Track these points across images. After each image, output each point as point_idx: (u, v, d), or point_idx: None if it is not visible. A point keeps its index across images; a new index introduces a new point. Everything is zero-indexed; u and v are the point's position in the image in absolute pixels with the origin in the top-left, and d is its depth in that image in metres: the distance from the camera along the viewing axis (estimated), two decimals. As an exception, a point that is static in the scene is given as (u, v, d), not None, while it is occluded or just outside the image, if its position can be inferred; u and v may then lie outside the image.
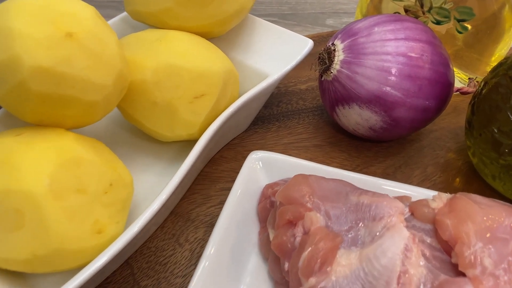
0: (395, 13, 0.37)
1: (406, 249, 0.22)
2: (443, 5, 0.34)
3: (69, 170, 0.22)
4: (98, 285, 0.26)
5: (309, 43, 0.33)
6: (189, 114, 0.28)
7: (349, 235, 0.23)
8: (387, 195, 0.24)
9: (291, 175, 0.27)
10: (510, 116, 0.26)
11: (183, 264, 0.27)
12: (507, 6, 0.34)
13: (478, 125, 0.28)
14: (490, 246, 0.21)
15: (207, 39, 0.31)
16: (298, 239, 0.23)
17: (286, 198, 0.25)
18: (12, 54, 0.21)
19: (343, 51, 0.30)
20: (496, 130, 0.27)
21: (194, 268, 0.24)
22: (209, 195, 0.31)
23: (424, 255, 0.22)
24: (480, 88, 0.29)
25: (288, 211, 0.24)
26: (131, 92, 0.28)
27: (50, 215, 0.21)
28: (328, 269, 0.22)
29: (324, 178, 0.26)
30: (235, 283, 0.25)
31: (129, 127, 0.33)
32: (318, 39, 0.46)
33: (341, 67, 0.30)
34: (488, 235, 0.21)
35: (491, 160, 0.28)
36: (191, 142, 0.28)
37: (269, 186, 0.28)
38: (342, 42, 0.31)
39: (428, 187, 0.31)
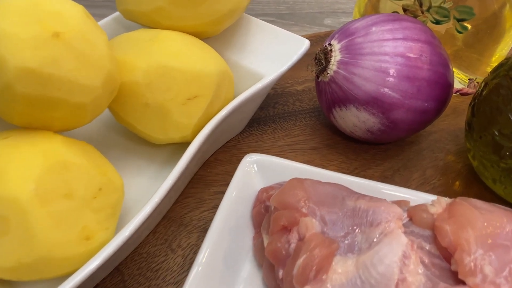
0: (393, 12, 0.36)
1: (404, 256, 0.21)
2: (442, 4, 0.34)
3: (56, 174, 0.22)
4: (87, 293, 0.25)
5: (306, 43, 0.32)
6: (182, 116, 0.27)
7: (346, 241, 0.23)
8: (385, 199, 0.24)
9: (287, 178, 0.26)
10: (511, 118, 0.26)
11: (175, 270, 0.26)
12: (507, 5, 0.33)
13: (478, 127, 0.28)
14: (491, 253, 0.20)
15: (201, 39, 0.31)
16: (292, 245, 0.23)
17: (280, 203, 0.24)
18: (-3, 55, 0.21)
19: (340, 52, 0.30)
20: (497, 133, 0.26)
21: (187, 275, 0.23)
22: (203, 199, 0.30)
23: (423, 262, 0.21)
24: (480, 89, 0.28)
25: (283, 217, 0.23)
26: (122, 94, 0.27)
27: (36, 222, 0.21)
28: (323, 277, 0.21)
29: (320, 182, 0.25)
30: (228, 291, 0.24)
31: (121, 129, 0.32)
32: (316, 39, 0.45)
33: (338, 68, 0.30)
34: (489, 241, 0.21)
35: (491, 163, 0.27)
36: (184, 145, 0.27)
37: (264, 190, 0.27)
38: (339, 42, 0.30)
39: (427, 191, 0.31)
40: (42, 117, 0.23)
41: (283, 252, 0.23)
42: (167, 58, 0.27)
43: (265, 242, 0.24)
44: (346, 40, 0.30)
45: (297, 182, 0.25)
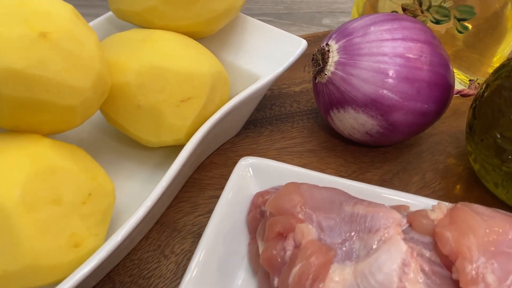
0: (392, 12, 0.36)
1: (404, 264, 0.20)
2: (442, 4, 0.33)
3: (43, 179, 0.21)
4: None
5: (303, 44, 0.31)
6: (175, 118, 0.27)
7: (343, 248, 0.22)
8: (384, 205, 0.23)
9: (283, 182, 0.26)
10: (514, 120, 0.25)
11: (168, 277, 0.26)
12: (509, 5, 0.32)
13: (479, 130, 0.27)
14: (494, 261, 0.20)
15: (195, 39, 0.30)
16: (288, 253, 0.22)
17: (276, 208, 0.23)
18: (-20, 56, 0.20)
19: (337, 52, 0.29)
20: (499, 136, 0.26)
21: (180, 282, 0.22)
22: (197, 203, 0.29)
23: (423, 270, 0.21)
24: (481, 90, 0.28)
25: (278, 223, 0.23)
26: (114, 96, 0.26)
27: (22, 229, 0.20)
28: (320, 285, 0.20)
29: (317, 186, 0.25)
30: (222, 299, 0.23)
31: (113, 131, 0.32)
32: (314, 39, 0.44)
33: (336, 69, 0.29)
34: (491, 249, 0.20)
35: (493, 167, 0.27)
36: (178, 148, 0.27)
37: (259, 195, 0.26)
38: (336, 43, 0.29)
39: (427, 195, 0.30)
40: (29, 120, 0.22)
41: (279, 260, 0.22)
42: (160, 58, 0.26)
43: (260, 249, 0.24)
44: (344, 40, 0.29)
45: (294, 186, 0.24)
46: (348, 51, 0.28)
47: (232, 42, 0.33)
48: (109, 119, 0.28)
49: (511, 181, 0.26)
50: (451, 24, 0.34)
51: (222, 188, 0.26)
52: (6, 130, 0.23)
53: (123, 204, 0.27)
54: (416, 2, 0.34)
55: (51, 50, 0.21)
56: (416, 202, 0.26)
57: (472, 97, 0.34)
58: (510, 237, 0.20)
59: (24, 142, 0.22)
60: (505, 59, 0.28)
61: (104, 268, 0.25)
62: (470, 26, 0.34)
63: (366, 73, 0.28)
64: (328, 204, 0.24)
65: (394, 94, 0.28)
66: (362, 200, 0.24)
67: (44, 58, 0.21)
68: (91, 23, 0.33)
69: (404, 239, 0.21)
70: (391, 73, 0.27)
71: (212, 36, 0.33)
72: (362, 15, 0.37)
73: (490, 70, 0.35)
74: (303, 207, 0.23)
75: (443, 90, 0.29)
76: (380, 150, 0.33)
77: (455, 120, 0.36)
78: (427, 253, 0.21)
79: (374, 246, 0.21)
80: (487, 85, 0.27)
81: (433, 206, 0.23)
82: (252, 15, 0.35)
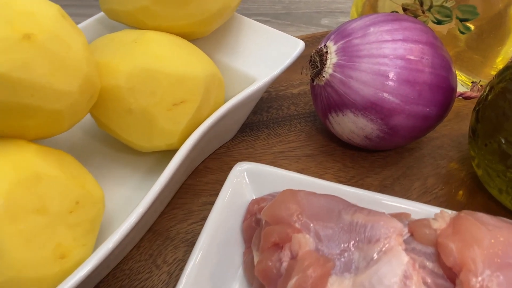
0: (392, 12, 0.35)
1: (405, 276, 0.20)
2: (444, 4, 0.32)
3: (28, 188, 0.20)
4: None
5: (300, 45, 0.30)
6: (167, 122, 0.26)
7: (342, 259, 0.21)
8: (384, 213, 0.22)
9: (280, 188, 0.25)
10: (519, 125, 0.24)
11: (160, 288, 0.25)
12: (513, 5, 0.31)
13: (483, 134, 0.26)
14: (499, 274, 0.19)
15: (189, 40, 0.29)
16: (284, 264, 0.21)
17: (272, 217, 0.22)
18: (-39, 59, 0.19)
19: (336, 54, 0.28)
20: (503, 140, 0.25)
21: (171, 294, 0.21)
22: (191, 210, 0.28)
23: (425, 283, 0.20)
24: (485, 93, 0.27)
25: (274, 233, 0.22)
26: (104, 99, 0.25)
27: (5, 240, 0.19)
28: (317, 299, 0.19)
29: (314, 193, 0.24)
30: (215, 312, 0.22)
31: (104, 136, 0.31)
32: (312, 40, 0.43)
33: (334, 71, 0.28)
34: (497, 261, 0.19)
35: (497, 173, 0.26)
36: (171, 152, 0.26)
37: (255, 202, 0.25)
38: (335, 44, 0.28)
39: (429, 201, 0.29)
40: (14, 124, 0.22)
41: (274, 272, 0.21)
42: (152, 60, 0.25)
43: (256, 259, 0.23)
44: (343, 42, 0.28)
45: (290, 194, 0.23)
46: (347, 53, 0.28)
47: (227, 43, 0.33)
48: (99, 123, 0.27)
49: (516, 188, 0.25)
50: (453, 24, 0.33)
51: (216, 194, 0.25)
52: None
53: (114, 211, 0.26)
54: (417, 2, 0.33)
55: (36, 52, 0.20)
56: (418, 209, 0.25)
57: (474, 100, 0.34)
58: (516, 248, 0.20)
59: (8, 148, 0.21)
60: (509, 61, 0.27)
61: (93, 279, 0.24)
62: (472, 27, 0.33)
63: (366, 76, 0.27)
64: (326, 212, 0.23)
65: (394, 97, 0.27)
66: (362, 208, 0.23)
67: (28, 61, 0.20)
68: (81, 24, 0.32)
69: (406, 250, 0.20)
70: (391, 75, 0.27)
71: (206, 37, 0.32)
72: (361, 15, 0.36)
73: (493, 72, 0.34)
74: (300, 215, 0.22)
75: (445, 93, 0.28)
76: (380, 154, 0.32)
77: (457, 123, 0.35)
78: (430, 265, 0.20)
79: (374, 257, 0.20)
80: (491, 88, 0.26)
81: (435, 214, 0.22)
82: (249, 15, 0.34)
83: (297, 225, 0.22)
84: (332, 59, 0.28)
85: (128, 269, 0.25)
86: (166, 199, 0.28)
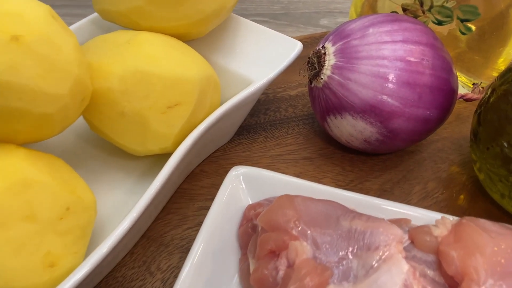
0: (392, 12, 0.34)
1: (406, 285, 0.19)
2: (445, 4, 0.32)
3: (16, 194, 0.20)
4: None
5: (298, 46, 0.30)
6: (161, 126, 0.25)
7: (340, 267, 0.20)
8: (384, 219, 0.22)
9: (277, 193, 0.24)
10: (522, 128, 0.23)
11: (153, 296, 0.24)
12: (515, 5, 0.31)
13: (485, 138, 0.26)
14: (502, 283, 0.19)
15: (184, 41, 0.29)
16: (281, 273, 0.20)
17: (268, 224, 0.22)
18: None
19: (334, 55, 0.27)
20: (506, 144, 0.24)
21: (165, 303, 0.21)
22: (186, 215, 0.28)
23: (426, 292, 0.19)
24: (487, 95, 0.26)
25: (270, 240, 0.21)
26: (96, 102, 0.25)
27: (-8, 248, 0.18)
28: (315, 309, 0.19)
29: (312, 199, 0.23)
30: (210, 321, 0.22)
31: (97, 139, 0.30)
32: (310, 41, 0.43)
33: (332, 73, 0.27)
34: (500, 269, 0.19)
35: (500, 177, 0.25)
36: (166, 156, 0.25)
37: (251, 207, 0.25)
38: (333, 45, 0.28)
39: (429, 206, 0.28)
40: (2, 128, 0.21)
41: (270, 280, 0.20)
42: (145, 62, 0.25)
43: (251, 267, 0.22)
44: (341, 43, 0.27)
45: (287, 199, 0.23)
46: (346, 54, 0.27)
47: (223, 45, 0.32)
48: (92, 126, 0.27)
49: (519, 193, 0.25)
50: (453, 25, 0.33)
51: (212, 198, 0.25)
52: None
53: (106, 217, 0.26)
54: (417, 2, 0.33)
55: (24, 54, 0.20)
56: (418, 214, 0.24)
57: (475, 102, 0.33)
58: (520, 256, 0.19)
59: (-4, 153, 0.21)
60: (511, 62, 0.27)
61: (85, 286, 0.23)
62: (473, 27, 0.32)
63: (365, 78, 0.26)
64: (324, 218, 0.22)
65: (394, 100, 0.26)
66: (361, 215, 0.22)
67: (16, 63, 0.19)
68: (75, 25, 0.31)
69: (406, 258, 0.20)
70: (391, 77, 0.26)
71: (202, 38, 0.32)
72: (360, 15, 0.35)
73: (495, 73, 0.34)
74: (297, 222, 0.22)
75: (446, 96, 0.27)
76: (379, 157, 0.32)
77: (458, 125, 0.34)
78: (431, 273, 0.20)
79: (374, 265, 0.20)
80: (493, 90, 0.26)
81: (436, 221, 0.21)
82: (247, 16, 0.33)
83: (294, 232, 0.21)
84: (330, 60, 0.28)
85: (121, 277, 0.25)
86: (160, 204, 0.28)
